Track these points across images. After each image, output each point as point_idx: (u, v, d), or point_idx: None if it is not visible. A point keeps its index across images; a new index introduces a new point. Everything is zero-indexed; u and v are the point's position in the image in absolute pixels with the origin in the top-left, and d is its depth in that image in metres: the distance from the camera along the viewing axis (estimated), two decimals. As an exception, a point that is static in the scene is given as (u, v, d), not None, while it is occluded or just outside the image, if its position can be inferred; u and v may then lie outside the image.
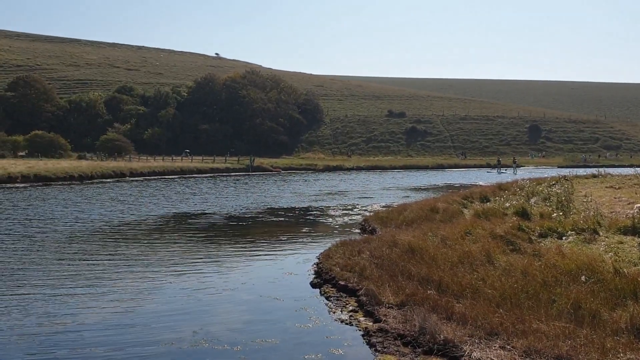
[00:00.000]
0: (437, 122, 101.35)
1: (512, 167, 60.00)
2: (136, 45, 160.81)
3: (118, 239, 15.30)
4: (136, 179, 43.03)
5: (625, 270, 7.89)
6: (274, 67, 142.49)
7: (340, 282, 9.20)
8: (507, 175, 42.64)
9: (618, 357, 5.20)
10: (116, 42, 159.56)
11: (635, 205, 12.42)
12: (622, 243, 10.33)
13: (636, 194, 21.74)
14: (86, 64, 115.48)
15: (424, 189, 34.43)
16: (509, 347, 5.82)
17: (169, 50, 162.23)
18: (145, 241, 14.98)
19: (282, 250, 13.90)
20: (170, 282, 10.29)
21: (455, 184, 39.54)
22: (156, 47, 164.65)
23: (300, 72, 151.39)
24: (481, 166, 69.84)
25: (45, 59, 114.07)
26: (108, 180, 40.87)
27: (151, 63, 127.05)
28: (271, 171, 57.25)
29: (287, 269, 11.33)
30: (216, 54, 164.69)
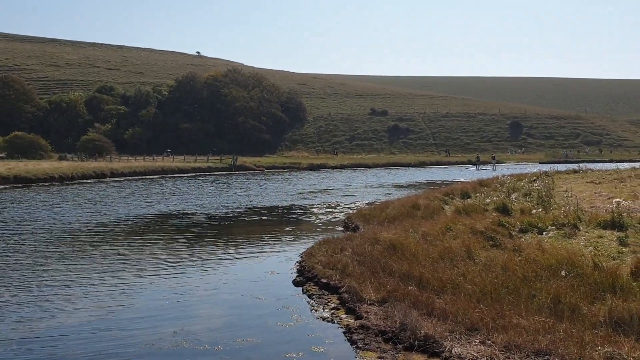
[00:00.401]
0: (419, 120, 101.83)
1: (491, 163, 60.44)
2: (116, 45, 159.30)
3: (96, 240, 15.11)
4: (117, 179, 42.60)
5: (604, 264, 7.96)
6: (256, 66, 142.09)
7: (322, 280, 9.16)
8: (486, 172, 42.93)
9: (596, 351, 5.22)
10: (96, 41, 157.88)
11: (614, 200, 12.54)
12: (601, 237, 10.43)
13: (616, 188, 22.01)
14: (66, 64, 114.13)
15: (406, 186, 34.54)
16: (489, 342, 5.83)
17: (149, 49, 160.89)
18: (124, 242, 14.81)
19: (264, 249, 13.83)
20: (150, 283, 10.17)
21: (436, 180, 39.73)
22: (137, 46, 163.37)
23: (282, 71, 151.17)
24: (463, 163, 70.27)
25: (25, 59, 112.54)
26: (89, 180, 40.42)
27: (132, 62, 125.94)
28: (254, 170, 57.03)
29: (270, 268, 11.27)
30: (197, 52, 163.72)
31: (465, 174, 45.75)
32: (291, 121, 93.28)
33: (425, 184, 37.03)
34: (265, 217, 20.01)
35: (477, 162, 61.85)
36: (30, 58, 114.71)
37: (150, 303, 8.85)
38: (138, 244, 14.45)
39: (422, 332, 6.16)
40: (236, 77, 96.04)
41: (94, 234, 16.16)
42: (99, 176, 42.69)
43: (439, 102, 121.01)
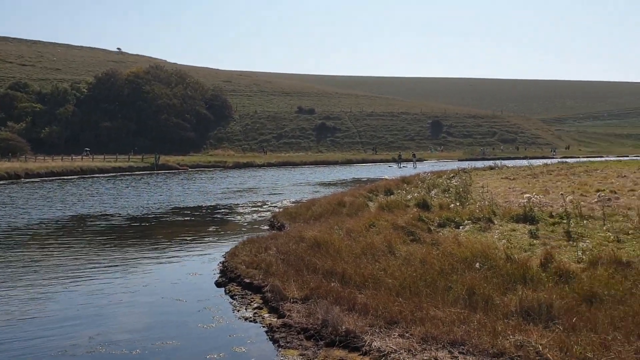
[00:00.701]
0: (346, 119, 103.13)
1: (412, 161, 62.12)
2: (30, 40, 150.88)
3: (6, 245, 14.26)
4: (32, 180, 40.38)
5: (516, 256, 8.34)
6: (179, 62, 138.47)
7: (245, 279, 9.07)
8: (408, 170, 44.08)
9: (507, 340, 5.45)
10: (8, 35, 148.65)
11: (525, 195, 13.18)
12: (514, 230, 10.93)
13: (529, 184, 23.16)
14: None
15: (333, 184, 34.88)
16: (407, 334, 5.96)
17: (66, 44, 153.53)
18: (38, 247, 14.09)
19: (187, 250, 13.53)
20: (65, 289, 9.71)
21: (362, 178, 40.38)
22: (53, 41, 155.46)
23: (207, 68, 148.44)
24: (387, 161, 71.78)
25: None
26: (0, 182, 38.09)
27: (47, 58, 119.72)
28: (178, 169, 55.72)
29: (192, 270, 11.04)
30: (118, 48, 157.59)
31: (389, 172, 46.72)
32: (216, 119, 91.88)
33: (351, 181, 37.53)
34: (188, 218, 19.60)
35: (399, 160, 63.27)
36: None
37: (65, 309, 8.45)
38: (52, 248, 13.76)
39: (344, 327, 6.22)
40: (158, 73, 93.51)
41: (3, 238, 15.24)
42: (12, 177, 40.30)
43: (365, 101, 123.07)
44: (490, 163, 41.19)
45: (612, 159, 60.65)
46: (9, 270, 11.24)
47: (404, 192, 18.71)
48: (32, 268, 11.41)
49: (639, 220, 10.55)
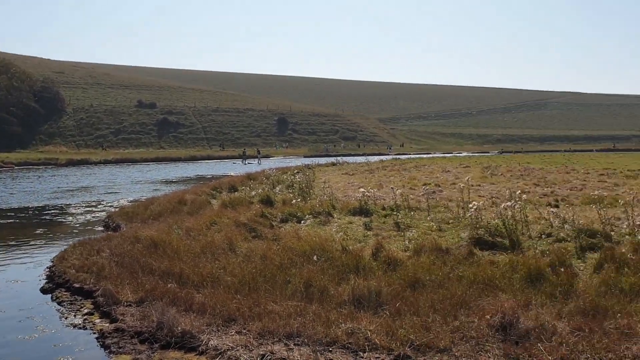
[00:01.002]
0: (190, 114, 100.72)
1: (257, 157, 62.57)
2: None
3: None
4: None
5: (351, 247, 8.76)
6: (3, 50, 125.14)
7: (75, 284, 8.45)
8: (253, 166, 44.33)
9: (340, 328, 5.70)
10: None
11: (360, 189, 13.89)
12: (351, 223, 11.47)
13: (366, 179, 24.46)
14: None
15: (175, 182, 33.88)
16: (245, 331, 5.97)
17: None
18: None
19: (9, 256, 12.26)
20: None
21: (207, 175, 39.75)
22: None
23: (36, 57, 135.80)
24: (234, 157, 71.53)
25: None
26: None
27: None
28: (1, 167, 50.40)
29: (14, 277, 10.03)
30: None
31: (234, 168, 46.56)
32: (47, 113, 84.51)
33: (195, 178, 36.74)
34: (12, 220, 17.79)
35: (243, 157, 63.20)
36: None
37: None
38: None
39: (179, 328, 6.06)
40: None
41: None
42: None
43: (209, 96, 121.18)
44: (333, 159, 42.83)
45: (438, 155, 66.36)
46: None
47: (248, 188, 18.73)
48: None
49: (457, 210, 11.65)
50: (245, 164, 55.69)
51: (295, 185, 18.64)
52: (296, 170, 26.94)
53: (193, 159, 68.97)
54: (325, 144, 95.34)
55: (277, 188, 18.69)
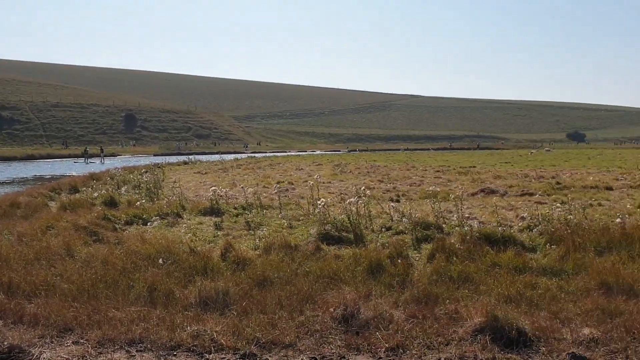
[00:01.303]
0: (26, 109, 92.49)
1: (100, 156, 59.20)
2: None
3: None
4: None
5: (200, 248, 8.60)
6: None
7: None
8: (96, 166, 41.85)
9: (185, 331, 5.56)
10: None
11: (211, 188, 13.70)
12: (201, 224, 11.27)
13: (219, 178, 24.20)
14: None
15: (9, 183, 30.87)
16: (82, 340, 5.59)
17: None
18: None
19: None
20: None
21: (46, 175, 36.74)
22: None
23: None
24: (77, 156, 66.86)
25: None
26: None
27: None
28: None
29: None
30: None
31: (76, 168, 43.53)
32: None
33: (32, 179, 33.77)
34: None
35: (85, 155, 59.27)
36: None
37: None
38: None
39: (6, 343, 5.51)
40: None
41: None
42: None
43: (49, 90, 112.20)
44: (185, 158, 41.79)
45: (293, 153, 67.70)
46: None
47: (90, 189, 17.61)
48: None
49: (308, 207, 11.95)
50: (88, 163, 52.34)
51: (142, 185, 17.90)
52: (144, 170, 25.92)
53: (30, 158, 63.39)
54: (178, 141, 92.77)
55: (123, 189, 17.83)
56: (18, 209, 14.00)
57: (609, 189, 16.53)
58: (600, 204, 12.99)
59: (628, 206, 11.91)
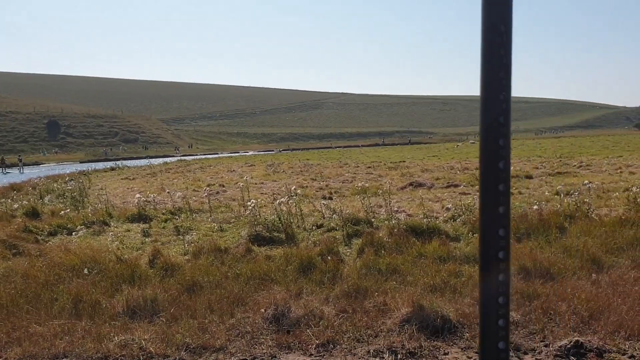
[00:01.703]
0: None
1: (18, 166, 56.30)
2: None
3: None
4: None
5: (127, 256, 8.39)
6: None
7: None
8: (15, 175, 39.84)
9: (112, 341, 5.41)
10: None
11: (137, 195, 13.38)
12: (129, 231, 10.98)
13: (147, 183, 23.63)
14: None
15: None
16: (1, 359, 5.35)
17: None
18: None
19: None
20: None
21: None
22: None
23: None
24: (-3, 166, 63.33)
25: None
26: None
27: None
28: None
29: None
30: None
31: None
32: None
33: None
34: None
35: (2, 165, 56.18)
36: None
37: None
38: None
39: None
40: None
41: None
42: None
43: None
44: (112, 164, 40.50)
45: (225, 155, 66.94)
46: None
47: (10, 200, 16.76)
48: None
49: (239, 209, 11.88)
50: (5, 173, 49.65)
51: (67, 194, 17.23)
52: (69, 178, 24.94)
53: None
54: (104, 147, 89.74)
55: (46, 198, 17.12)
56: None
57: (529, 177, 17.36)
58: (520, 192, 13.62)
59: (546, 193, 12.55)
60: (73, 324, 5.95)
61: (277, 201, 10.05)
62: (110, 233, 10.81)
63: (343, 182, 19.26)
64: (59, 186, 19.97)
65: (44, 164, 66.75)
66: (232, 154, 69.87)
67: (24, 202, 15.57)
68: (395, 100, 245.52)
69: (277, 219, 9.41)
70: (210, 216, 11.63)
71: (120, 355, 5.22)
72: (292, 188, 11.85)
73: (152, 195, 13.77)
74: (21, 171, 49.46)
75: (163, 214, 12.24)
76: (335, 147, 76.53)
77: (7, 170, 53.27)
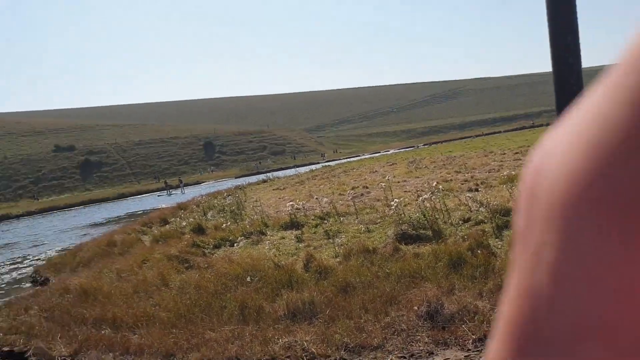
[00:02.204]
0: (112, 151, 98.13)
1: (179, 187, 59.83)
2: None
3: None
4: None
5: (283, 262, 8.88)
6: None
7: (4, 348, 8.11)
8: (179, 196, 43.36)
9: (277, 344, 5.80)
10: None
11: (288, 203, 14.04)
12: (283, 238, 11.58)
13: (296, 191, 24.66)
14: None
15: (105, 223, 32.87)
16: (184, 364, 5.97)
17: None
18: None
19: None
20: None
21: (137, 211, 38.77)
22: None
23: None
24: (164, 189, 70.00)
25: None
26: None
27: None
28: None
29: (-63, 351, 9.49)
30: None
31: (163, 201, 45.59)
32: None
33: (125, 216, 35.78)
34: None
35: (167, 188, 60.81)
36: None
37: None
38: None
39: (118, 373, 5.98)
40: None
41: None
42: None
43: (130, 130, 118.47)
44: (264, 176, 42.74)
45: (367, 157, 67.59)
46: None
47: (179, 219, 18.48)
48: None
49: (383, 209, 12.00)
50: (170, 194, 54.18)
51: (226, 208, 18.57)
52: (227, 194, 26.79)
53: (121, 196, 67.08)
54: (255, 161, 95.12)
55: (209, 214, 18.56)
56: (115, 247, 14.96)
57: None
58: None
59: None
60: (241, 329, 6.46)
61: (421, 198, 10.00)
62: (267, 242, 11.51)
63: (489, 172, 18.55)
64: (218, 202, 21.58)
65: (204, 182, 72.44)
66: (373, 155, 70.42)
67: (190, 219, 17.08)
68: (538, 78, 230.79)
69: (422, 216, 9.38)
70: (357, 218, 11.88)
71: (285, 357, 5.58)
72: (434, 184, 11.69)
73: (301, 203, 14.39)
74: (182, 192, 53.36)
75: (313, 219, 12.72)
76: (475, 136, 73.85)
77: (172, 191, 57.99)
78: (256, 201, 21.53)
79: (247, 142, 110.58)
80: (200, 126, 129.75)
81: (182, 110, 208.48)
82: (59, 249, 21.80)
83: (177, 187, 61.41)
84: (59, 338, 7.55)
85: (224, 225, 13.87)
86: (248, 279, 8.15)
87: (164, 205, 33.99)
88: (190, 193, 42.16)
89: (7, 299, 11.84)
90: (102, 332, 7.28)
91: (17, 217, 55.61)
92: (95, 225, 32.80)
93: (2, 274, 18.01)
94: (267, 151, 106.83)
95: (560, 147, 0.19)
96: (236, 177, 69.16)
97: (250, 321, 6.65)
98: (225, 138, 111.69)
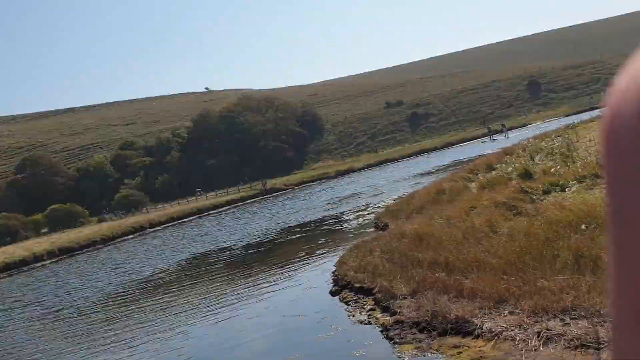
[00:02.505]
0: (436, 102, 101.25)
1: (502, 132, 57.92)
2: (128, 100, 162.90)
3: (139, 294, 15.62)
4: (156, 229, 43.50)
5: (625, 208, 7.96)
6: (265, 88, 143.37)
7: (356, 284, 9.36)
8: (501, 142, 42.14)
9: (619, 297, 5.29)
10: (108, 100, 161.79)
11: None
12: (623, 180, 10.36)
13: None
14: (85, 129, 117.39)
15: (434, 172, 34.42)
16: (517, 311, 5.94)
17: (160, 96, 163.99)
18: (164, 292, 15.27)
19: (300, 267, 14.09)
20: (195, 324, 10.53)
21: (463, 159, 39.43)
22: (147, 96, 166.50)
23: (292, 86, 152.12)
24: (487, 135, 69.36)
25: (45, 134, 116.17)
26: (129, 237, 41.37)
27: (146, 112, 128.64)
28: (284, 189, 57.46)
29: (307, 284, 11.52)
30: (206, 88, 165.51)
31: (488, 147, 45.19)
32: (310, 133, 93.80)
33: (452, 164, 36.82)
34: (299, 235, 20.30)
35: (489, 133, 59.94)
36: (50, 132, 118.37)
37: (196, 342, 9.19)
38: (178, 292, 14.91)
39: (452, 315, 6.31)
40: (248, 103, 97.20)
41: (133, 289, 16.72)
42: (138, 230, 43.64)
43: (451, 80, 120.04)
44: (599, 112, 38.60)
45: None
46: (146, 315, 12.35)
47: (504, 165, 18.16)
48: (165, 311, 12.45)
49: None
50: (493, 140, 53.20)
51: (555, 151, 17.45)
52: (555, 135, 25.07)
53: (448, 145, 68.96)
54: (587, 96, 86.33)
55: (536, 158, 17.72)
56: (444, 195, 15.58)
57: None
58: None
59: None
60: (577, 279, 6.08)
61: None
62: (603, 186, 10.45)
63: None
64: (546, 144, 20.41)
65: (530, 124, 69.12)
66: None
67: (516, 164, 16.60)
68: None
69: None
70: None
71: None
72: None
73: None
74: (506, 136, 51.75)
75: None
76: None
77: (495, 137, 56.93)
78: (590, 140, 19.64)
79: (577, 76, 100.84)
80: (521, 66, 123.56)
81: (501, 51, 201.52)
82: (395, 197, 23.80)
83: (500, 131, 60.16)
84: (399, 278, 8.32)
85: (553, 169, 13.09)
86: (583, 226, 7.56)
87: (489, 152, 33.73)
88: (515, 137, 40.81)
89: (354, 242, 13.55)
90: (437, 274, 7.74)
91: (360, 169, 62.47)
92: (425, 174, 34.65)
93: (350, 220, 20.66)
94: (601, 83, 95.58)
95: None
96: (566, 116, 64.01)
97: (587, 272, 6.20)
98: (552, 74, 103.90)
